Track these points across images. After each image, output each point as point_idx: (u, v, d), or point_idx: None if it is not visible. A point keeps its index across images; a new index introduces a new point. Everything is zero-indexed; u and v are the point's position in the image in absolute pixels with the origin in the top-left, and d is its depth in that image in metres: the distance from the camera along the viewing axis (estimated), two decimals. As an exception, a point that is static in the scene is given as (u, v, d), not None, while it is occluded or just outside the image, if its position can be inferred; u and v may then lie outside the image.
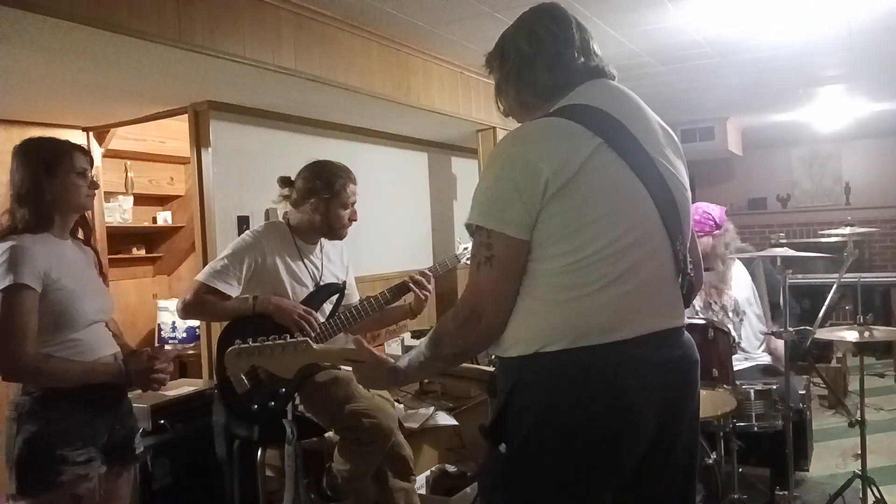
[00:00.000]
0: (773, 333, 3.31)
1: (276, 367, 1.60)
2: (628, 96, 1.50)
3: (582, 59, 1.50)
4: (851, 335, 2.81)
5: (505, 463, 1.40)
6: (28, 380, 1.98)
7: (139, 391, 2.20)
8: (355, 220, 2.81)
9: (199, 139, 3.65)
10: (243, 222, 3.72)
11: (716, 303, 3.33)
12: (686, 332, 1.52)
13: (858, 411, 3.03)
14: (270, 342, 1.57)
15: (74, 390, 1.99)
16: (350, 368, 1.65)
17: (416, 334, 4.31)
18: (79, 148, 2.11)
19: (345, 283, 2.84)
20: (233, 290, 2.59)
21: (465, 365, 1.67)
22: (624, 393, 1.35)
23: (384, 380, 1.60)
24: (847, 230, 3.06)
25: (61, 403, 1.99)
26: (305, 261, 2.76)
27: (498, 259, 1.35)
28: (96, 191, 2.15)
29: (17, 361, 1.91)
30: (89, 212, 2.29)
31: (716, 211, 3.29)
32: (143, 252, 5.03)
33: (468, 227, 1.42)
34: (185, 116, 3.69)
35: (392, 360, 1.57)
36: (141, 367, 2.10)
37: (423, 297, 2.76)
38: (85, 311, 2.04)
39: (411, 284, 2.75)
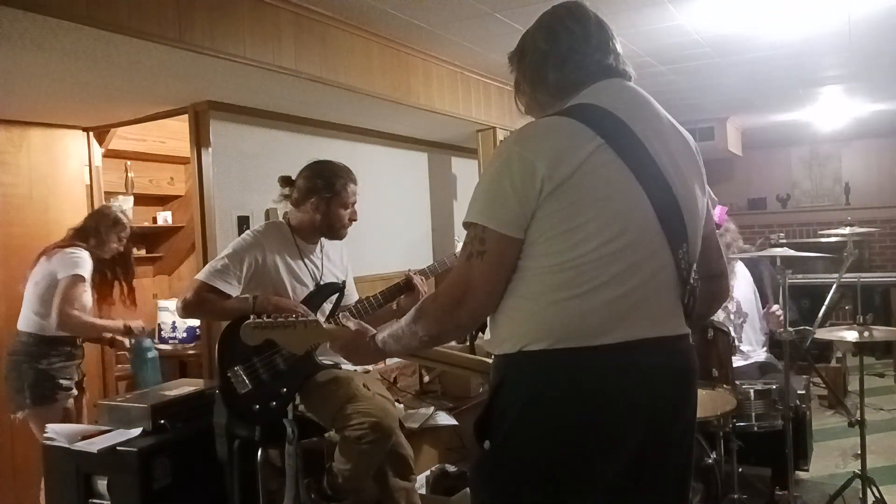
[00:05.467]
0: (773, 333, 3.31)
1: (290, 343, 1.75)
2: (640, 97, 1.47)
3: (597, 57, 1.48)
4: (851, 335, 2.81)
5: (487, 460, 1.42)
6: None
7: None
8: (355, 220, 2.81)
9: (199, 139, 3.65)
10: (243, 222, 3.72)
11: None
12: (686, 341, 1.46)
13: (858, 411, 3.03)
14: (283, 318, 1.71)
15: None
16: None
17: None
18: None
19: (344, 282, 2.84)
20: (233, 289, 2.59)
21: (467, 355, 1.67)
22: (604, 397, 1.33)
23: (365, 347, 1.61)
24: (847, 230, 3.07)
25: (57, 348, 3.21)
26: (305, 260, 2.77)
27: (490, 254, 1.35)
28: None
29: None
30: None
31: (715, 211, 3.26)
32: (143, 252, 5.02)
33: (465, 224, 1.41)
34: (185, 116, 3.70)
35: (373, 330, 1.61)
36: None
37: (419, 297, 2.71)
38: None
39: (415, 280, 2.73)
